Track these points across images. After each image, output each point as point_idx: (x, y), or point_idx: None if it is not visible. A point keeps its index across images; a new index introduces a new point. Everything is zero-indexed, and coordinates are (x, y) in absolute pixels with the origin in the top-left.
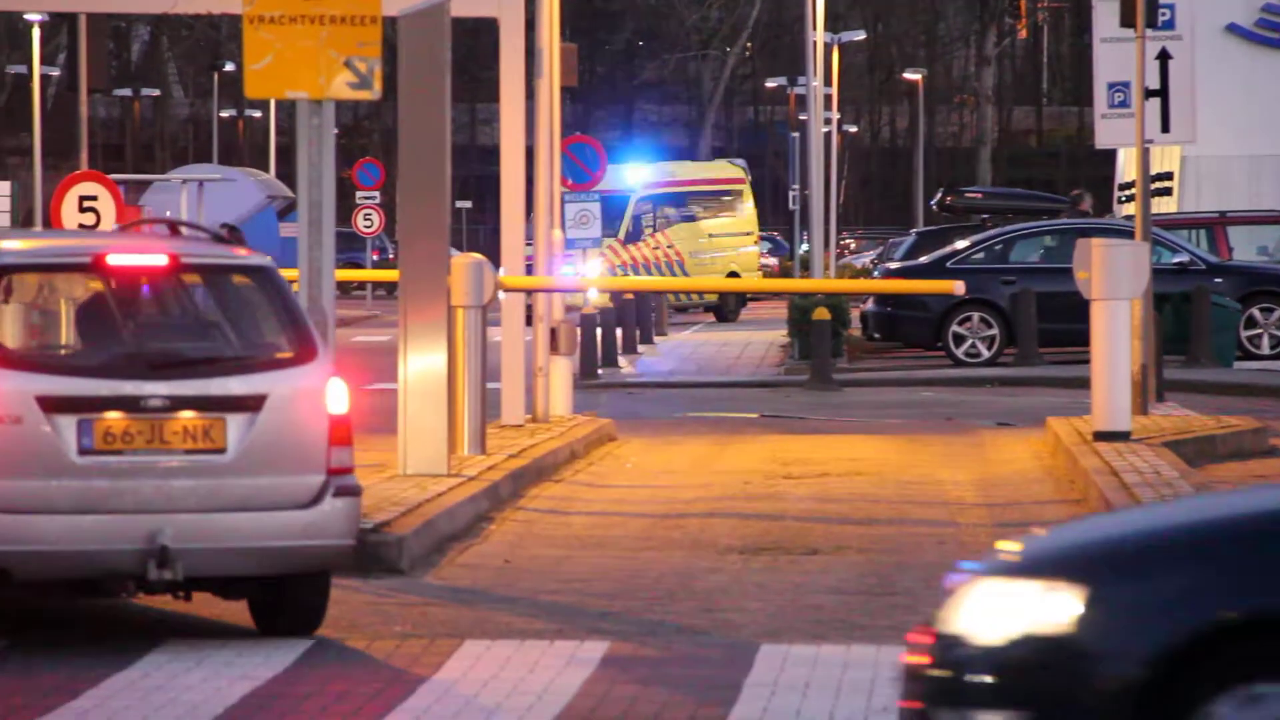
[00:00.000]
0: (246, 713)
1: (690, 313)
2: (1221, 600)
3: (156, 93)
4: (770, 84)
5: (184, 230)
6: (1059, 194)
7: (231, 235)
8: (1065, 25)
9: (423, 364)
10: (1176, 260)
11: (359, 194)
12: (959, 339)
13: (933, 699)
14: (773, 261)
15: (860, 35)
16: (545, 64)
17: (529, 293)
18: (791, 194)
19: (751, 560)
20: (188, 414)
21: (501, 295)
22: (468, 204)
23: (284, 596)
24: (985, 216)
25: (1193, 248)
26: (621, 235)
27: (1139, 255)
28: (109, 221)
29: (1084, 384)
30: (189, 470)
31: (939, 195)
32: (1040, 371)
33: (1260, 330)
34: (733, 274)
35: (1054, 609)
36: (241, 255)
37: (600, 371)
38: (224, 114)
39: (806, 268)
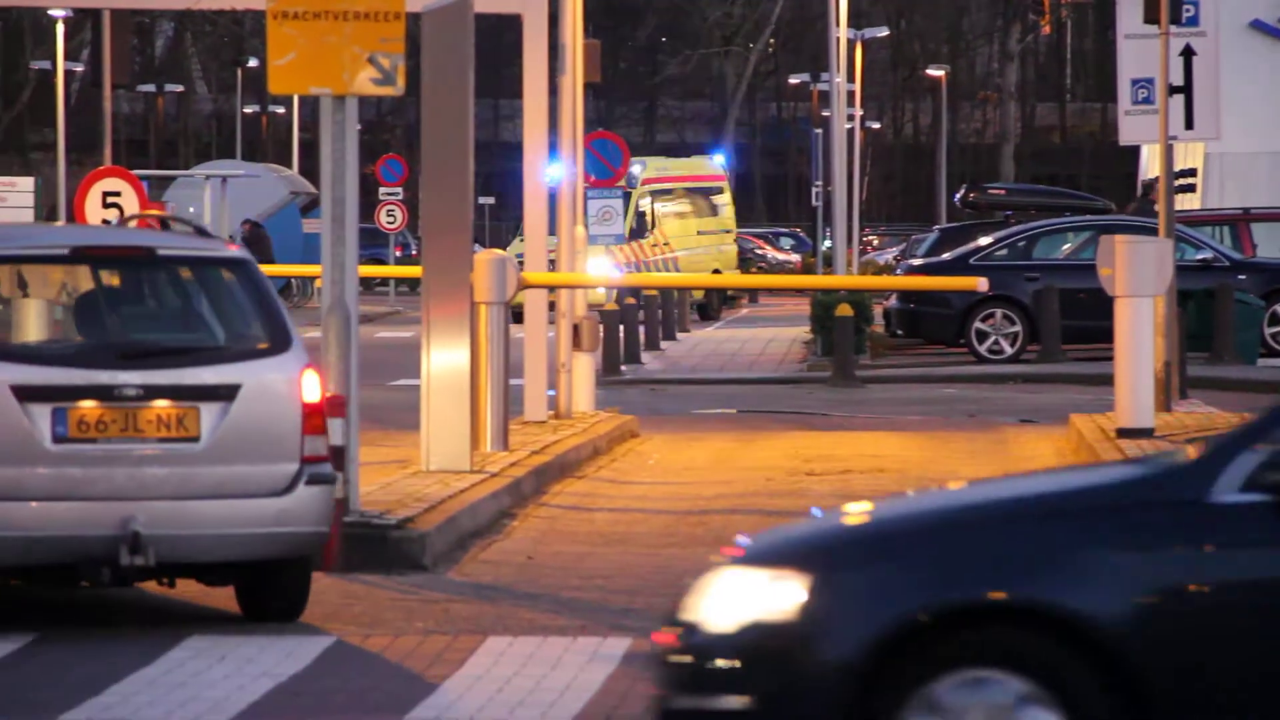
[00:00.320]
0: (270, 709)
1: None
2: (932, 589)
3: (180, 88)
4: (793, 80)
5: (174, 225)
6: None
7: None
8: (1089, 21)
9: (446, 360)
10: (1200, 257)
11: (382, 190)
12: (982, 336)
13: (672, 685)
14: (795, 258)
15: (883, 31)
16: (568, 60)
17: (551, 289)
18: (814, 190)
19: None
20: (162, 403)
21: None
22: (490, 200)
23: (265, 583)
24: (1008, 213)
25: (1216, 244)
26: (625, 232)
27: (1163, 252)
28: None
29: (1107, 381)
30: (163, 458)
31: (962, 191)
32: (1063, 368)
33: None
34: (715, 272)
35: (780, 597)
36: (219, 248)
37: (623, 368)
38: (247, 110)
39: (829, 264)
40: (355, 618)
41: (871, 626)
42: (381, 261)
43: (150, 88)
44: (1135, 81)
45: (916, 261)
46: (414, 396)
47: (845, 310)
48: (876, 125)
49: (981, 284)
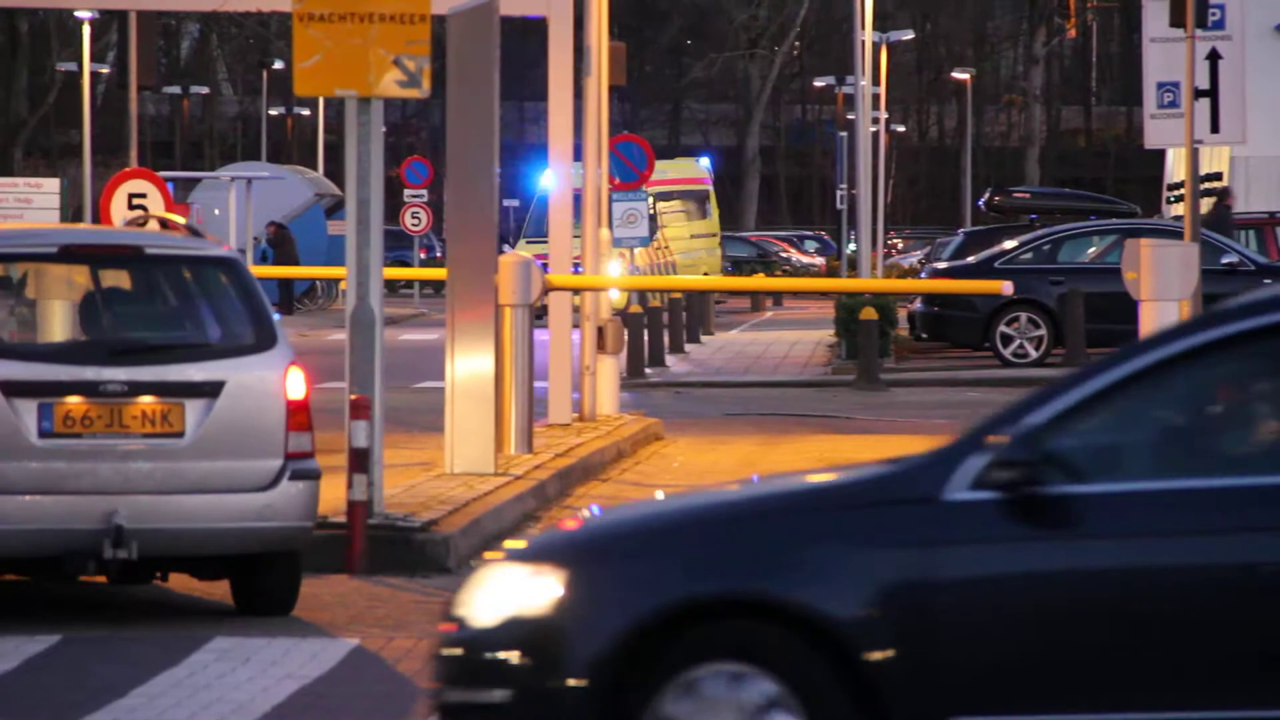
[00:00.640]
0: (294, 711)
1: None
2: (677, 585)
3: (206, 90)
4: (818, 83)
5: (174, 226)
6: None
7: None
8: (1114, 25)
9: (470, 362)
10: (1225, 261)
11: (407, 192)
12: (1006, 339)
13: (444, 678)
14: (820, 261)
15: (909, 34)
16: (593, 63)
17: (576, 291)
18: (839, 193)
19: None
20: (147, 399)
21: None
22: (515, 203)
23: (257, 577)
24: (1033, 216)
25: (1242, 248)
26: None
27: (1188, 256)
28: None
29: None
30: (147, 453)
31: (987, 195)
32: None
33: None
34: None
35: (539, 592)
36: (206, 247)
37: (648, 370)
38: (273, 112)
39: (854, 267)
40: (379, 620)
41: (620, 621)
42: (406, 264)
43: (176, 90)
44: (1161, 85)
45: (941, 265)
46: (438, 399)
47: (870, 313)
48: (901, 128)
49: (1006, 287)
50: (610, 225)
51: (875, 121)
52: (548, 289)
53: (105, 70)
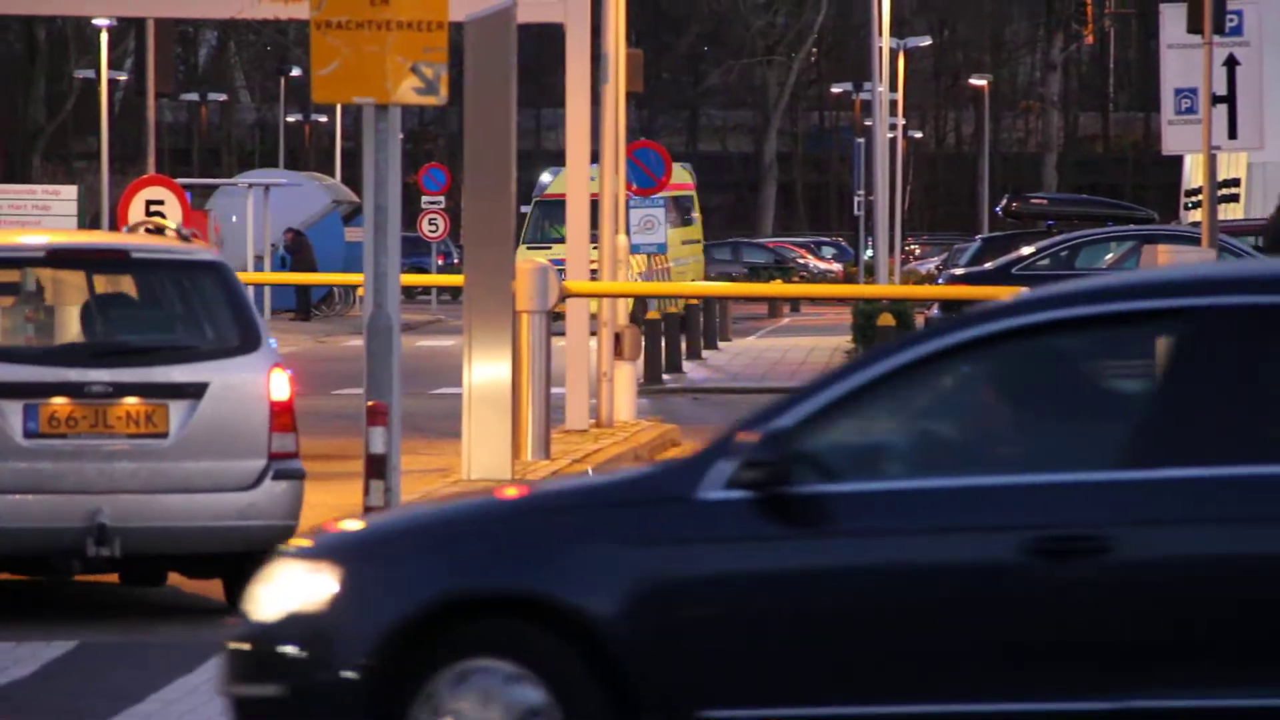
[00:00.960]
0: None
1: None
2: (440, 581)
3: (223, 97)
4: (836, 89)
5: (167, 232)
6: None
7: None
8: (1132, 31)
9: (487, 369)
10: None
11: (424, 199)
12: None
13: (231, 673)
14: (837, 267)
15: (926, 41)
16: (611, 69)
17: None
18: (856, 199)
19: None
20: (131, 400)
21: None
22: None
23: (246, 577)
24: (1051, 223)
25: (1259, 255)
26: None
27: (1205, 262)
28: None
29: None
30: (131, 453)
31: (1004, 201)
32: None
33: None
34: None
35: (316, 589)
36: (193, 252)
37: (665, 376)
38: (290, 119)
39: (871, 273)
40: None
41: (387, 616)
42: (423, 270)
43: (194, 97)
44: (1178, 91)
45: (958, 271)
46: (455, 405)
47: (887, 320)
48: (919, 134)
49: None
50: (628, 231)
51: (892, 128)
52: (564, 295)
53: (123, 77)
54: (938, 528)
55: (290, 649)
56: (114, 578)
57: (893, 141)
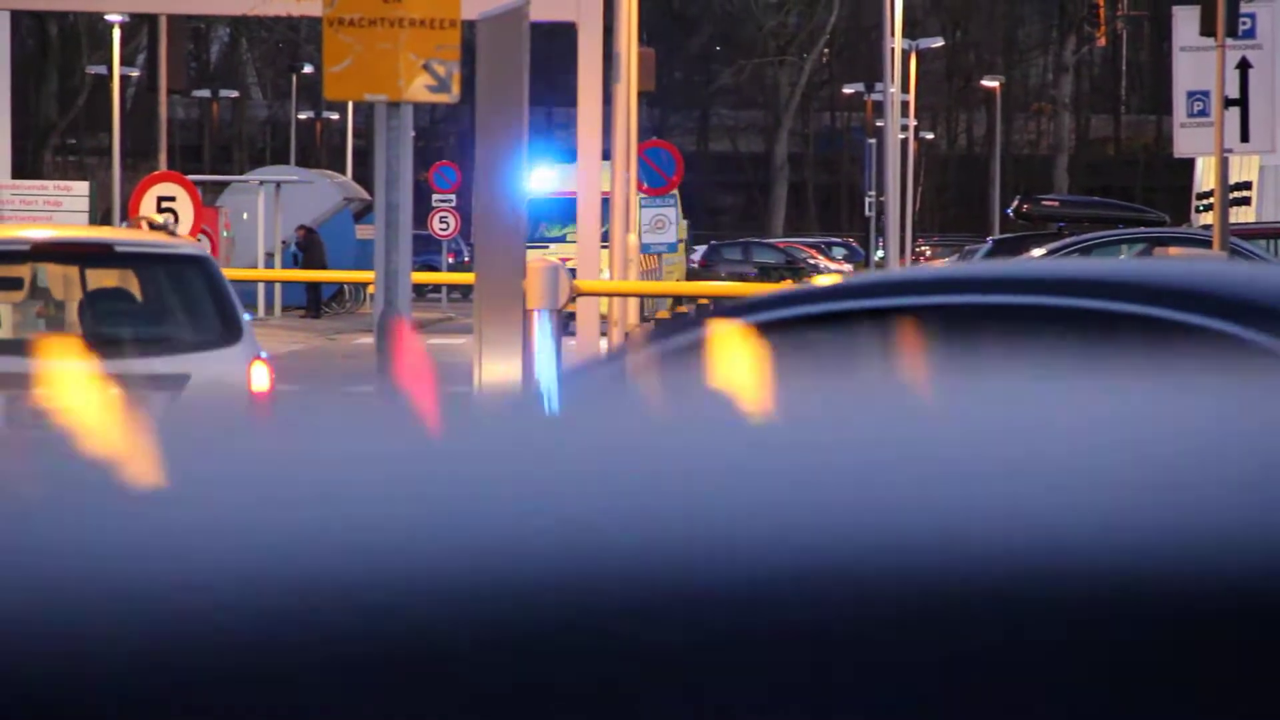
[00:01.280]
0: None
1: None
2: None
3: (235, 94)
4: (847, 90)
5: (161, 227)
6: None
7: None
8: (1144, 33)
9: (498, 367)
10: None
11: (435, 197)
12: None
13: None
14: (848, 268)
15: (938, 42)
16: (623, 69)
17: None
18: (868, 200)
19: None
20: (112, 391)
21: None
22: None
23: None
24: (1062, 224)
25: (1271, 257)
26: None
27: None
28: (187, 221)
29: None
30: None
31: (1016, 203)
32: None
33: None
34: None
35: None
36: (176, 245)
37: None
38: (302, 116)
39: None
40: None
41: None
42: (434, 268)
43: (205, 93)
44: (1191, 94)
45: None
46: None
47: None
48: (930, 136)
49: None
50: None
51: (904, 129)
52: (575, 294)
53: (135, 74)
54: None
55: None
56: None
57: (904, 142)
